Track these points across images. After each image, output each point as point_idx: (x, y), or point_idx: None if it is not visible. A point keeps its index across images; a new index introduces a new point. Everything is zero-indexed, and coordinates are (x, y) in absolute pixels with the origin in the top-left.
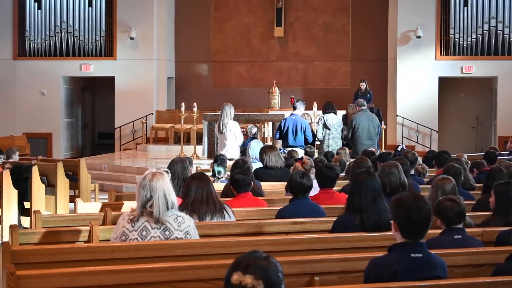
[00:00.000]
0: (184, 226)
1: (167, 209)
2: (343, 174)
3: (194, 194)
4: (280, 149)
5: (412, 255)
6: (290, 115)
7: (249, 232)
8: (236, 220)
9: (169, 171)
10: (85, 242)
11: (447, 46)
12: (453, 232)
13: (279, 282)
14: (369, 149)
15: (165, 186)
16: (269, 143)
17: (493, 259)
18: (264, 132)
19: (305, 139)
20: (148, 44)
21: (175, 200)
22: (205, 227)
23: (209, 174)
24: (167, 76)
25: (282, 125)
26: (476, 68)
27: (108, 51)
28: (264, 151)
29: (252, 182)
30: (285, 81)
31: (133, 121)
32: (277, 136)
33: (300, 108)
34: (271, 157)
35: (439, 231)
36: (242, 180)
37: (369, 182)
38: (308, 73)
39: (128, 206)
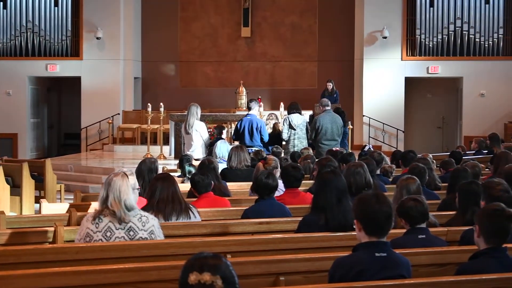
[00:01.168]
0: (149, 226)
1: (126, 210)
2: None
3: (159, 194)
4: (249, 149)
5: (377, 254)
6: (246, 115)
7: (215, 232)
8: (202, 220)
9: (134, 173)
10: (50, 243)
11: (413, 47)
12: (417, 232)
13: (233, 275)
14: (334, 149)
15: (122, 187)
16: (237, 143)
17: (457, 258)
18: (230, 133)
19: (261, 139)
20: (114, 44)
21: (132, 202)
22: (170, 227)
23: (177, 174)
24: (133, 76)
25: (238, 125)
26: (442, 68)
27: (74, 51)
28: (232, 151)
29: (212, 182)
30: (252, 81)
31: (99, 122)
32: (234, 137)
33: (255, 107)
34: (238, 157)
35: (403, 231)
36: (202, 181)
37: (334, 182)
38: (275, 73)
39: (95, 206)
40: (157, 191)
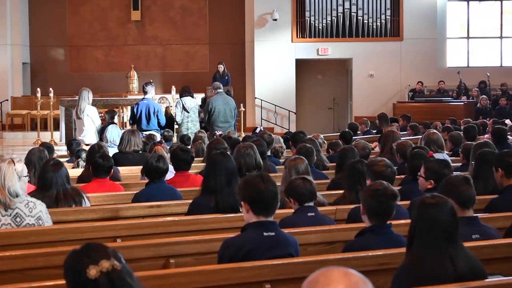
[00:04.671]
0: (36, 212)
1: (11, 196)
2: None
3: (49, 181)
4: (141, 133)
5: (265, 233)
6: (142, 100)
7: (105, 217)
8: (92, 205)
9: (23, 160)
10: None
11: (303, 29)
12: (306, 210)
13: (115, 251)
14: (218, 132)
15: (7, 174)
16: (129, 127)
17: (346, 236)
18: (122, 117)
19: (158, 123)
20: (1, 28)
21: (17, 189)
22: (59, 213)
23: (66, 160)
24: (22, 61)
25: (135, 109)
26: (332, 50)
27: None
28: (123, 135)
29: (112, 169)
30: (144, 65)
31: None
32: (130, 121)
33: (151, 91)
34: (129, 142)
35: (292, 211)
36: (103, 165)
37: (223, 163)
38: (166, 56)
39: None
40: (46, 177)
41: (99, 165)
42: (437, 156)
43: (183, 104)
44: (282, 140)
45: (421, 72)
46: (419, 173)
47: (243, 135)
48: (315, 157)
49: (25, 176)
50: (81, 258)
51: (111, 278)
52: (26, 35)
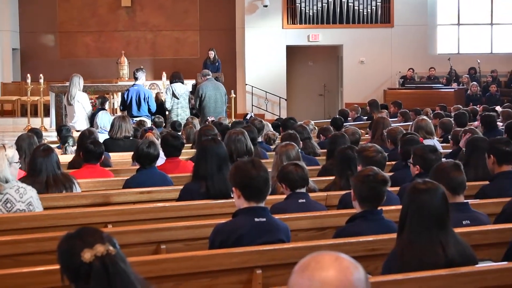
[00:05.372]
0: (27, 197)
1: (1, 181)
2: None
3: (39, 167)
4: (132, 120)
5: (256, 219)
6: (133, 86)
7: (96, 203)
8: (83, 191)
9: (14, 146)
10: None
11: (293, 15)
12: (297, 196)
13: (110, 236)
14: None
15: None
16: (119, 113)
17: (336, 222)
18: (113, 103)
19: (149, 109)
20: None
21: (7, 175)
22: (50, 199)
23: (56, 146)
24: (11, 47)
25: (125, 96)
26: (322, 36)
27: None
28: (114, 121)
29: (103, 155)
30: (134, 51)
31: None
32: (121, 107)
33: (142, 77)
34: (120, 128)
35: (283, 197)
36: (94, 151)
37: (214, 149)
38: (157, 43)
39: None
40: (36, 164)
41: (89, 151)
42: (427, 142)
43: (173, 91)
44: (270, 127)
45: (411, 59)
46: (409, 160)
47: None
48: (301, 143)
49: (16, 162)
50: (76, 241)
51: (105, 263)
52: (16, 21)
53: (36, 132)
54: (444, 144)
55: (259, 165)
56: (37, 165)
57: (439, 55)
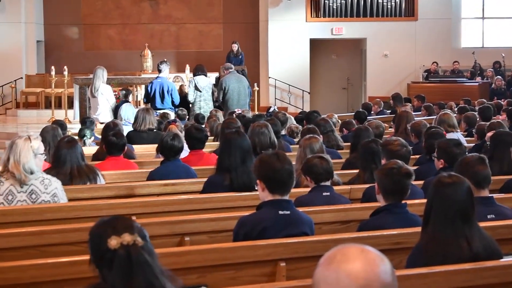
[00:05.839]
0: (51, 188)
1: (26, 173)
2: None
3: (64, 158)
4: (155, 112)
5: (280, 212)
6: (156, 78)
7: (120, 194)
8: (107, 183)
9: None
10: None
11: (317, 8)
12: (321, 190)
13: (142, 229)
14: (237, 111)
15: (23, 151)
16: (142, 106)
17: (360, 216)
18: (136, 95)
19: (172, 102)
20: (15, 6)
21: (32, 166)
22: (74, 190)
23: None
24: (36, 39)
25: (149, 88)
26: (346, 29)
27: None
28: (138, 113)
29: (125, 147)
30: (158, 44)
31: (1, 86)
32: (145, 99)
33: (165, 70)
34: (144, 120)
35: (307, 190)
36: (116, 143)
37: (238, 142)
38: (180, 35)
39: None
40: (61, 155)
41: (112, 143)
42: (451, 136)
43: (195, 84)
44: (294, 120)
45: (435, 53)
46: (433, 153)
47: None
48: (321, 136)
49: (41, 154)
50: (107, 227)
51: (129, 252)
52: (40, 13)
53: (60, 124)
54: (468, 138)
55: (283, 158)
56: (61, 157)
57: (463, 48)
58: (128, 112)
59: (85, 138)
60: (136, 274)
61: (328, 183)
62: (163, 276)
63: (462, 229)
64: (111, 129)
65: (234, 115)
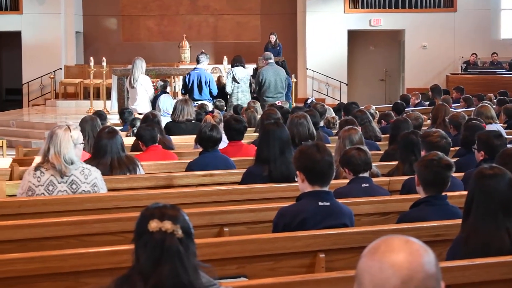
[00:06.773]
0: (91, 178)
1: (66, 163)
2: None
3: (104, 148)
4: (193, 103)
5: (320, 203)
6: (194, 69)
7: (159, 185)
8: (146, 173)
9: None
10: None
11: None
12: (360, 181)
13: (190, 226)
14: (277, 102)
15: (63, 141)
16: (180, 97)
17: (399, 207)
18: (174, 87)
19: (210, 93)
20: None
21: (73, 156)
22: (114, 180)
23: (120, 128)
24: (75, 30)
25: (187, 79)
26: (384, 21)
27: (13, 5)
28: (176, 104)
29: (158, 135)
30: (195, 35)
31: (41, 77)
32: (183, 91)
33: (204, 61)
34: (182, 111)
35: (346, 181)
36: (147, 133)
37: (277, 133)
38: (218, 26)
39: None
40: (101, 145)
41: (143, 135)
42: (491, 127)
43: (233, 75)
44: (332, 111)
45: (474, 44)
46: (473, 146)
47: (294, 105)
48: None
49: (81, 144)
50: (155, 210)
51: (164, 239)
52: (79, 5)
53: (100, 114)
54: (508, 130)
55: (323, 149)
56: (101, 147)
57: (503, 40)
58: (167, 103)
59: (134, 128)
60: (164, 262)
61: (366, 174)
62: (195, 273)
63: (504, 221)
64: (150, 120)
65: (274, 105)
